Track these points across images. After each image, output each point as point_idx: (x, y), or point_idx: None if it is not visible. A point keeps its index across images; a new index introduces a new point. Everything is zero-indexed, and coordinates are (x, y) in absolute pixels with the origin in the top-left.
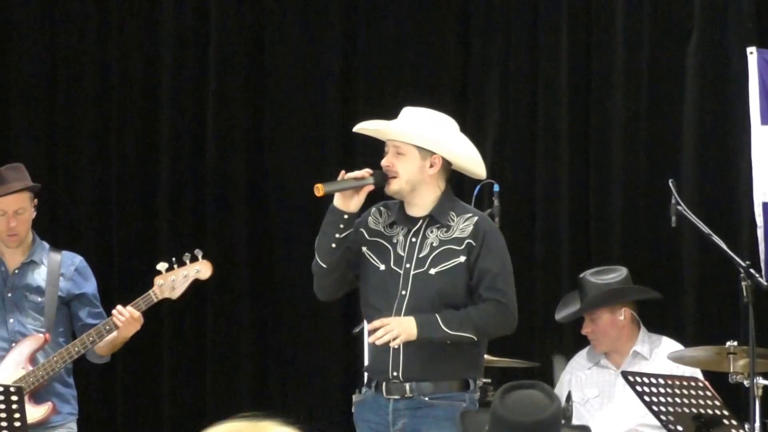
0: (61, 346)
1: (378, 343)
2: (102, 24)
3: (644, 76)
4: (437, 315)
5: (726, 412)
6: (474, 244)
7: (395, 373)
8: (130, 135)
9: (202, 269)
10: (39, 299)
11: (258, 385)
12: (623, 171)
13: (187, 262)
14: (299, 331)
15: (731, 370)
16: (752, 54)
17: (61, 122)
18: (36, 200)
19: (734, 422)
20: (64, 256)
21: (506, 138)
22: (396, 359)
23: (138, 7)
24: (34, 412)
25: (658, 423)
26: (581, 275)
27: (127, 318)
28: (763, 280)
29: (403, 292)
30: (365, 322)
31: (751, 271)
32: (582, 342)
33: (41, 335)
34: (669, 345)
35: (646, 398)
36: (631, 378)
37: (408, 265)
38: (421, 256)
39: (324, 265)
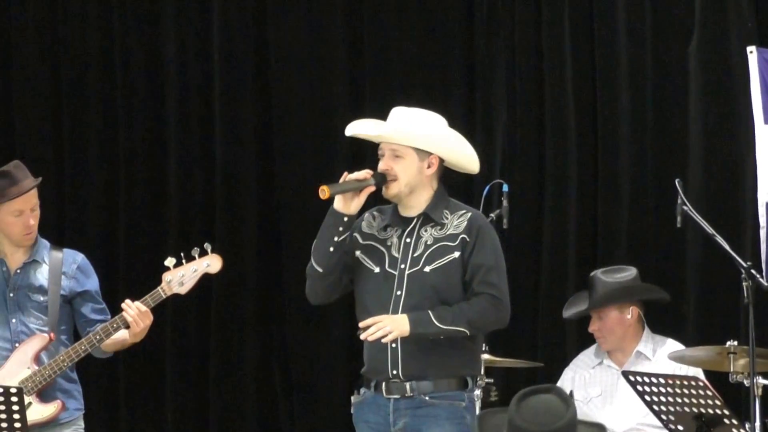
0: (63, 344)
1: (370, 339)
2: (106, 22)
3: (648, 77)
4: (429, 312)
5: (726, 412)
6: (468, 239)
7: (395, 372)
8: (138, 133)
9: (212, 263)
10: (41, 298)
11: (261, 383)
12: (630, 171)
13: (196, 256)
14: (304, 331)
15: (732, 370)
16: (752, 53)
17: (67, 119)
18: None
19: (735, 422)
20: (66, 254)
21: (514, 139)
22: (395, 357)
23: (141, 5)
24: (43, 411)
25: (659, 422)
26: (591, 274)
27: (136, 313)
28: (763, 281)
29: (399, 293)
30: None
31: (752, 271)
32: (584, 344)
33: (45, 335)
34: (670, 346)
35: (647, 398)
36: (631, 378)
37: (403, 266)
38: (415, 255)
39: (320, 269)
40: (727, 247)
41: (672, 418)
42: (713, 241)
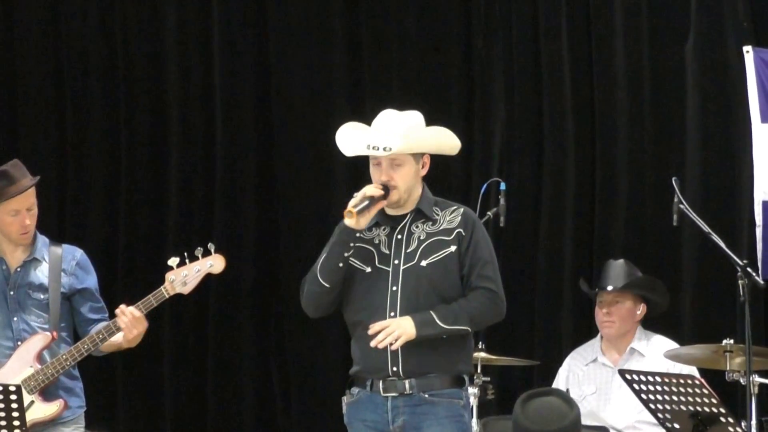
0: (64, 341)
1: (380, 346)
2: (107, 21)
3: (645, 76)
4: (432, 312)
5: (723, 410)
6: (464, 233)
7: (395, 369)
8: (139, 133)
9: (215, 263)
10: (42, 296)
11: (259, 381)
12: (627, 170)
13: (200, 256)
14: (302, 330)
15: (728, 368)
16: (748, 53)
17: (69, 117)
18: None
19: (731, 420)
20: (65, 251)
21: (512, 137)
22: (395, 355)
23: (142, 9)
24: (46, 410)
25: (655, 420)
26: (609, 260)
27: (129, 319)
28: (759, 279)
29: (394, 288)
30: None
31: (748, 269)
32: (580, 341)
33: (48, 333)
34: (662, 342)
35: (643, 396)
36: (628, 376)
37: (396, 262)
38: (409, 250)
39: (327, 285)
40: (723, 245)
41: (668, 416)
42: (709, 240)
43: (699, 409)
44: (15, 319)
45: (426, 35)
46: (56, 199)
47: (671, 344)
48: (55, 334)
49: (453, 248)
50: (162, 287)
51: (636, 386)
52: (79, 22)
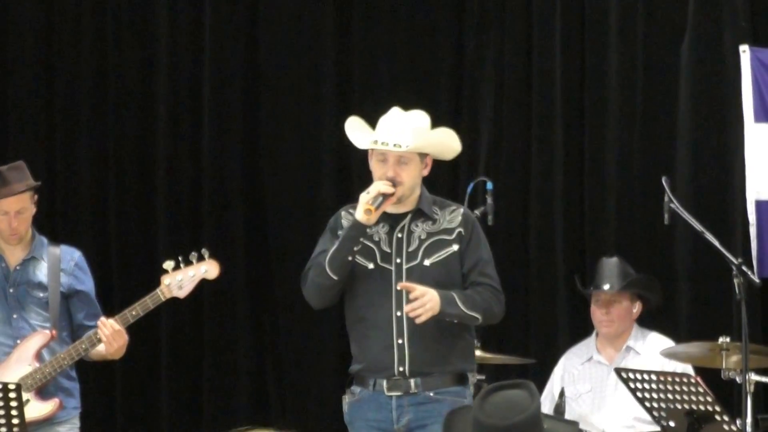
0: (64, 340)
1: (417, 321)
2: (99, 23)
3: (639, 74)
4: (453, 293)
5: (718, 408)
6: (464, 233)
7: (401, 369)
8: (128, 135)
9: (209, 269)
10: (41, 295)
11: (254, 382)
12: (617, 169)
13: (194, 261)
14: (296, 329)
15: (724, 366)
16: (745, 52)
17: (59, 119)
18: (36, 196)
19: (726, 418)
20: (63, 251)
21: (500, 136)
22: (402, 354)
23: (134, 10)
24: (41, 408)
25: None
26: (603, 258)
27: (110, 332)
28: (755, 278)
29: (399, 287)
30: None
31: (743, 268)
32: (576, 339)
33: (47, 332)
34: (658, 340)
35: (639, 394)
36: (623, 374)
37: (398, 260)
38: (410, 250)
39: (335, 277)
40: (717, 244)
41: (664, 414)
42: (703, 238)
43: (694, 407)
44: (15, 316)
45: (417, 32)
46: (46, 203)
47: (667, 342)
48: (54, 332)
49: (455, 247)
50: (158, 290)
51: (631, 384)
52: (71, 28)
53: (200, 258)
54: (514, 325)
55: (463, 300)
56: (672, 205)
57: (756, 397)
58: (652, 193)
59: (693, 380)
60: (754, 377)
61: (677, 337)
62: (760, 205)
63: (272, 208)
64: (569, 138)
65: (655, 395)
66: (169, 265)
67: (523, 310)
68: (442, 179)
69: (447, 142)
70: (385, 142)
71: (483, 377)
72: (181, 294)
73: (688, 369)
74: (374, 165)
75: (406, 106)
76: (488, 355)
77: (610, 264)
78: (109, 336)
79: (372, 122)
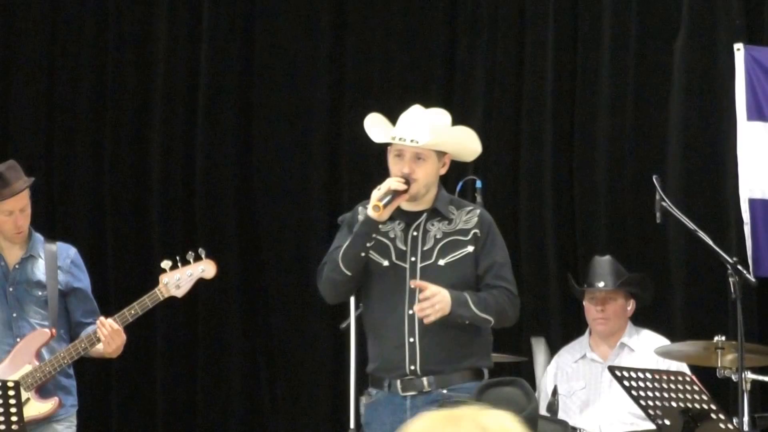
0: (62, 338)
1: (426, 321)
2: (99, 24)
3: (631, 72)
4: (466, 293)
5: (714, 407)
6: (480, 234)
7: (413, 367)
8: (124, 136)
9: (207, 268)
10: (40, 293)
11: (247, 382)
12: (608, 167)
13: (191, 261)
14: (288, 326)
15: (719, 365)
16: (739, 51)
17: (58, 119)
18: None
19: (722, 416)
20: (59, 248)
21: (490, 134)
22: (413, 353)
23: (133, 12)
24: (41, 407)
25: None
26: (595, 257)
27: (108, 331)
28: (750, 276)
29: (413, 286)
30: (352, 317)
31: (739, 267)
32: (568, 337)
33: (47, 330)
34: (651, 337)
35: (634, 392)
36: (618, 373)
37: (413, 259)
38: (425, 248)
39: (349, 273)
40: (710, 242)
41: (659, 412)
42: (696, 237)
43: (690, 405)
44: (14, 315)
45: (410, 31)
46: (44, 202)
47: (660, 339)
48: (54, 331)
49: (470, 248)
50: (156, 289)
51: (626, 383)
52: (75, 30)
53: (197, 258)
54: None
55: (475, 301)
56: (664, 204)
57: (752, 395)
58: (644, 191)
59: (688, 378)
60: (750, 376)
61: (672, 336)
62: (753, 203)
63: (265, 208)
64: (559, 136)
65: (650, 393)
66: (166, 264)
67: None
68: None
69: (465, 142)
70: (402, 137)
71: None
72: (179, 293)
73: (683, 367)
74: (391, 161)
75: (398, 104)
76: None
77: (604, 262)
78: (108, 335)
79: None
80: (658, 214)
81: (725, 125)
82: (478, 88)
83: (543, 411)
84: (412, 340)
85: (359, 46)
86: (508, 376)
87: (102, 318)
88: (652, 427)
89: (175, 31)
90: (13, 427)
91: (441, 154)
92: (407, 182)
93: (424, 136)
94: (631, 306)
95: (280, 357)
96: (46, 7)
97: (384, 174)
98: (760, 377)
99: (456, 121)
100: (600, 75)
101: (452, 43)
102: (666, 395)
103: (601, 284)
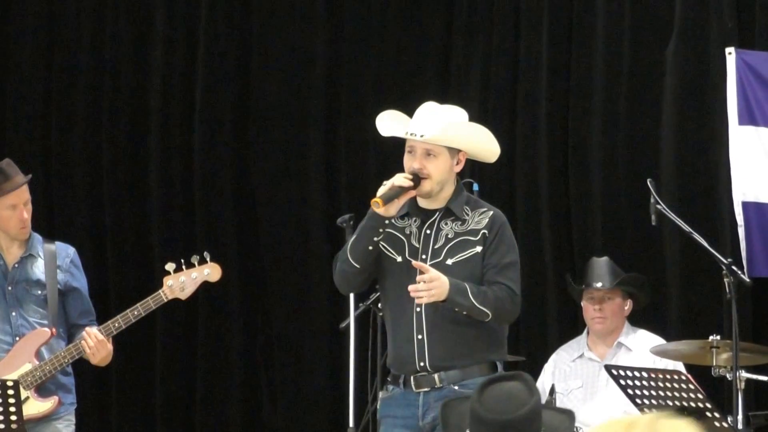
0: (60, 336)
1: (418, 301)
2: (96, 21)
3: (624, 77)
4: (466, 284)
5: (709, 405)
6: (488, 234)
7: (422, 364)
8: (122, 137)
9: (211, 271)
10: (39, 292)
11: (247, 381)
12: (603, 170)
13: (196, 263)
14: (288, 326)
15: (714, 364)
16: (731, 55)
17: (55, 120)
18: None
19: (717, 415)
20: (58, 248)
21: None
22: (421, 349)
23: (131, 12)
24: (40, 406)
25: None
26: (593, 258)
27: (94, 342)
28: (745, 277)
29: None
30: (351, 317)
31: (734, 268)
32: (565, 337)
33: (47, 330)
34: (648, 336)
35: (630, 391)
36: (614, 372)
37: (424, 257)
38: (436, 247)
39: (357, 266)
40: (706, 244)
41: (655, 411)
42: (691, 239)
43: (685, 404)
44: (14, 314)
45: (406, 31)
46: (43, 203)
47: (656, 339)
48: (54, 330)
49: (479, 249)
50: (161, 290)
51: (622, 381)
52: (72, 28)
53: (202, 261)
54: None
55: (475, 293)
56: (658, 206)
57: (746, 394)
58: (638, 193)
59: (684, 377)
60: (744, 375)
61: (668, 336)
62: (746, 206)
63: (264, 208)
64: (554, 139)
65: (645, 392)
66: (170, 266)
67: None
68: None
69: (478, 139)
70: (409, 131)
71: None
72: (183, 295)
73: (679, 366)
74: (405, 157)
75: (393, 105)
76: None
77: (601, 263)
78: (93, 347)
79: (360, 122)
80: (653, 217)
81: (718, 129)
82: (473, 92)
83: None
84: (420, 336)
85: (355, 47)
86: (510, 372)
87: (88, 329)
88: None
89: (172, 33)
90: (13, 426)
91: (454, 151)
92: (417, 178)
93: (431, 131)
94: (628, 306)
95: (280, 356)
96: (43, 4)
97: (382, 174)
98: (755, 376)
99: None
100: (594, 79)
101: (447, 45)
102: (662, 394)
103: (599, 284)
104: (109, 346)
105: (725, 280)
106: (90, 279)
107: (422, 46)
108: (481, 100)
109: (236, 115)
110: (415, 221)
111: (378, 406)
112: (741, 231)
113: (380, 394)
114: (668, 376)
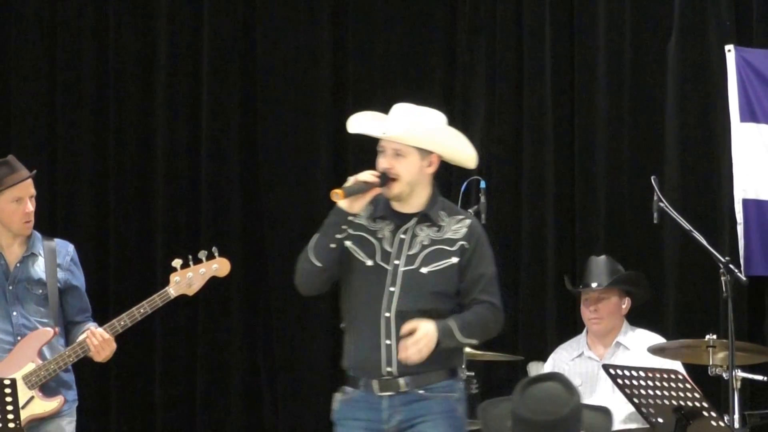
0: (60, 335)
1: (410, 362)
2: (100, 20)
3: (626, 75)
4: (451, 323)
5: (706, 404)
6: (467, 246)
7: (389, 369)
8: (128, 132)
9: (220, 266)
10: (41, 291)
11: (247, 382)
12: (607, 168)
13: (203, 259)
14: (289, 325)
15: (711, 363)
16: (730, 52)
17: (60, 115)
18: None
19: (714, 414)
20: (58, 245)
21: (492, 135)
22: (389, 355)
23: (135, 10)
24: (46, 406)
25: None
26: (591, 257)
27: (99, 342)
28: (742, 276)
29: (392, 289)
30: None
31: (731, 266)
32: (564, 336)
33: (49, 329)
34: (646, 335)
35: (627, 391)
36: (612, 371)
37: (397, 262)
38: (411, 253)
39: (319, 264)
40: (704, 242)
41: (652, 410)
42: (691, 237)
43: (682, 403)
44: (14, 313)
45: (411, 29)
46: (47, 200)
47: (655, 337)
48: (57, 329)
49: (455, 260)
50: (168, 288)
51: (620, 381)
52: (74, 25)
53: (210, 256)
54: (504, 321)
55: (460, 327)
56: (661, 204)
57: (742, 393)
58: (640, 192)
59: (681, 376)
60: (740, 374)
61: (665, 335)
62: (747, 203)
63: (269, 205)
64: (559, 137)
65: (643, 391)
66: (177, 263)
67: (512, 309)
68: (437, 178)
69: (449, 142)
70: (376, 129)
71: (473, 373)
72: (191, 292)
73: (677, 365)
74: (377, 158)
75: (401, 99)
76: (477, 352)
77: (599, 262)
78: (98, 345)
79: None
80: (655, 215)
81: (720, 126)
82: (479, 91)
83: None
84: (388, 342)
85: (361, 46)
86: (546, 372)
87: (92, 328)
88: (646, 425)
89: (176, 29)
90: (10, 425)
91: (425, 152)
92: (385, 178)
93: (395, 130)
94: (626, 304)
95: (281, 355)
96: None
97: None
98: (751, 375)
99: (458, 123)
100: (597, 78)
101: (452, 47)
102: (659, 393)
103: (594, 284)
104: (114, 344)
105: (722, 278)
106: (92, 276)
107: (427, 41)
108: (487, 99)
109: (243, 112)
110: (388, 225)
111: (335, 408)
112: (740, 229)
113: (337, 396)
114: (665, 376)
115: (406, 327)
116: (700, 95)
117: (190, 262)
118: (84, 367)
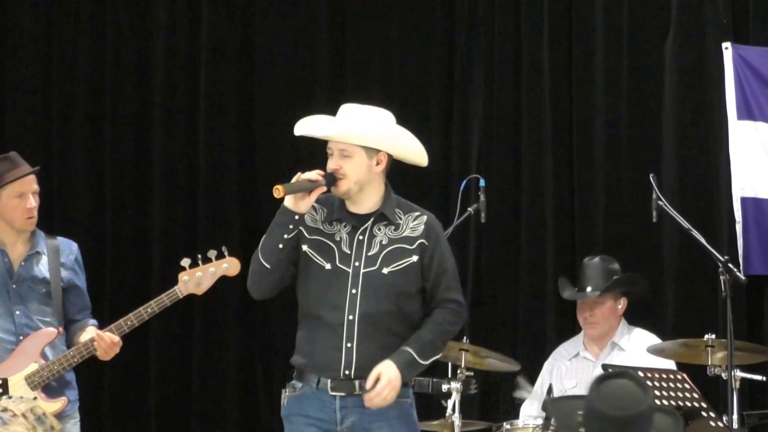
0: (62, 335)
1: (373, 407)
2: (96, 12)
3: (624, 73)
4: (410, 350)
5: (704, 405)
6: (427, 244)
7: (347, 372)
8: (125, 132)
9: (230, 265)
10: (43, 290)
11: (243, 382)
12: (605, 167)
13: (213, 258)
14: (285, 324)
15: (709, 363)
16: (727, 50)
17: (56, 114)
18: None
19: (712, 414)
20: (61, 244)
21: (491, 134)
22: (349, 358)
23: (131, 13)
24: (50, 406)
25: None
26: (585, 260)
27: (107, 344)
28: (741, 275)
29: (354, 291)
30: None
31: (730, 265)
32: (563, 337)
33: (53, 329)
34: (643, 336)
35: None
36: (611, 371)
37: (357, 264)
38: (370, 254)
39: (267, 266)
40: (703, 241)
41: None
42: (689, 236)
43: (681, 403)
44: (17, 312)
45: (409, 32)
46: (43, 198)
47: (652, 338)
48: (60, 329)
49: (415, 258)
50: (176, 287)
51: None
52: (71, 26)
53: (220, 255)
54: (502, 323)
55: (419, 353)
56: (660, 203)
57: (741, 393)
58: (639, 191)
59: (679, 376)
60: (739, 374)
61: (663, 334)
62: (745, 202)
63: (267, 205)
64: (558, 136)
65: None
66: (186, 262)
67: (512, 308)
68: (436, 176)
69: (398, 141)
70: (316, 130)
71: (471, 374)
72: (199, 291)
73: (672, 365)
74: (328, 160)
75: (398, 104)
76: (478, 360)
77: (592, 265)
78: (106, 348)
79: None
80: (654, 213)
81: (717, 124)
82: (478, 90)
83: (539, 411)
84: (349, 345)
85: (359, 46)
86: (617, 370)
87: (99, 332)
88: None
89: (174, 26)
90: None
91: (372, 151)
92: (332, 178)
93: (335, 130)
94: (622, 304)
95: (277, 355)
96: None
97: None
98: (750, 375)
99: (459, 123)
100: (595, 77)
101: (450, 46)
102: (657, 393)
103: (589, 290)
104: (120, 343)
105: (721, 277)
106: (88, 275)
107: (426, 42)
108: (486, 99)
109: (240, 111)
110: (345, 227)
111: (283, 403)
112: (738, 228)
113: (285, 392)
114: (664, 376)
115: (370, 378)
116: (698, 93)
117: (199, 261)
118: (77, 367)
